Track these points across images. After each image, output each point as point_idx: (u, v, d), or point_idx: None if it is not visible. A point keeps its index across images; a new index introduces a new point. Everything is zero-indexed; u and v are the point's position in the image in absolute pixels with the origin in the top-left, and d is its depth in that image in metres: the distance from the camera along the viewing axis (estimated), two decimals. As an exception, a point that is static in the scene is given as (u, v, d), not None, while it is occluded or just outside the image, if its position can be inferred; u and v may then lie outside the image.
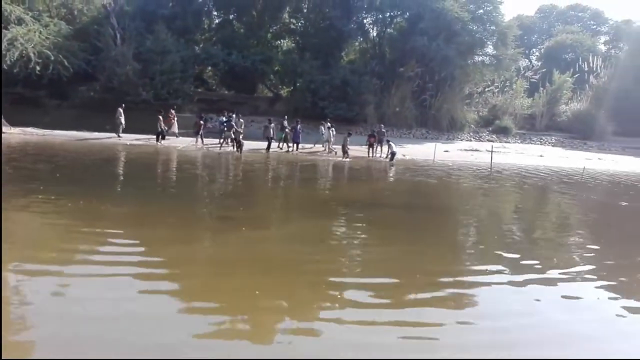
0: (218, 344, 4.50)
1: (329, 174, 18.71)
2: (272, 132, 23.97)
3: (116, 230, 7.89)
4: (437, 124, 36.15)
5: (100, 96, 30.30)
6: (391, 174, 19.77)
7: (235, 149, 22.52)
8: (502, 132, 38.18)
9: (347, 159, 22.71)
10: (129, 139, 23.46)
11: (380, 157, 24.53)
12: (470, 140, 35.76)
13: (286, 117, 26.64)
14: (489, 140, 35.36)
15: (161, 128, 23.66)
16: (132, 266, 6.20)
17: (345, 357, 4.43)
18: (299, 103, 33.49)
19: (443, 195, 15.49)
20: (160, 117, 23.81)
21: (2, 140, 17.66)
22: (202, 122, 24.33)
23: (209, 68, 38.64)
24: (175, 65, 31.78)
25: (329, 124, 25.12)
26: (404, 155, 24.79)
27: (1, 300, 4.97)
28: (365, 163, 22.58)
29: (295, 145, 24.73)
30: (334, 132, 25.07)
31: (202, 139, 24.13)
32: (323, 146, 25.07)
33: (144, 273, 6.02)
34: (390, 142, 23.87)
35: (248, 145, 23.42)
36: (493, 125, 39.02)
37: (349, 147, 23.22)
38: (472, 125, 38.44)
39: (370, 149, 24.74)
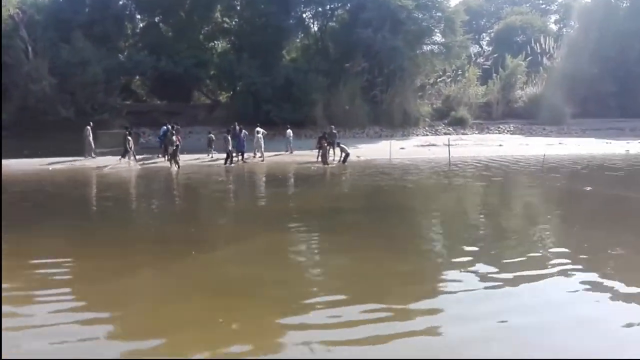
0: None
1: (286, 181, 18.72)
2: (229, 143, 23.42)
3: (57, 261, 7.72)
4: (390, 120, 36.56)
5: (15, 118, 29.06)
6: (347, 177, 19.85)
7: (171, 163, 22.02)
8: (459, 124, 39.03)
9: (329, 165, 22.68)
10: (50, 163, 22.52)
11: (334, 160, 24.51)
12: (427, 135, 36.39)
13: (236, 123, 26.17)
14: (445, 134, 36.07)
15: (129, 146, 22.85)
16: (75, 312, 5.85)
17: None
18: (241, 108, 33.07)
19: (405, 197, 15.54)
20: (128, 133, 23.01)
21: None
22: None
23: (137, 77, 37.79)
24: (97, 77, 30.95)
25: (258, 129, 25.09)
26: (358, 157, 24.89)
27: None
28: (320, 167, 22.44)
29: (240, 154, 24.46)
30: (262, 140, 25.01)
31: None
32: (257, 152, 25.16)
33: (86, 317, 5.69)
34: (341, 145, 24.02)
35: (191, 156, 23.09)
36: (449, 117, 39.83)
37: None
38: (427, 119, 39.10)
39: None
